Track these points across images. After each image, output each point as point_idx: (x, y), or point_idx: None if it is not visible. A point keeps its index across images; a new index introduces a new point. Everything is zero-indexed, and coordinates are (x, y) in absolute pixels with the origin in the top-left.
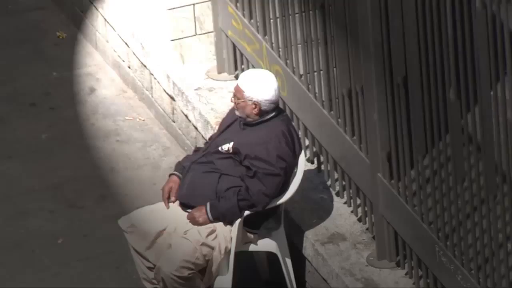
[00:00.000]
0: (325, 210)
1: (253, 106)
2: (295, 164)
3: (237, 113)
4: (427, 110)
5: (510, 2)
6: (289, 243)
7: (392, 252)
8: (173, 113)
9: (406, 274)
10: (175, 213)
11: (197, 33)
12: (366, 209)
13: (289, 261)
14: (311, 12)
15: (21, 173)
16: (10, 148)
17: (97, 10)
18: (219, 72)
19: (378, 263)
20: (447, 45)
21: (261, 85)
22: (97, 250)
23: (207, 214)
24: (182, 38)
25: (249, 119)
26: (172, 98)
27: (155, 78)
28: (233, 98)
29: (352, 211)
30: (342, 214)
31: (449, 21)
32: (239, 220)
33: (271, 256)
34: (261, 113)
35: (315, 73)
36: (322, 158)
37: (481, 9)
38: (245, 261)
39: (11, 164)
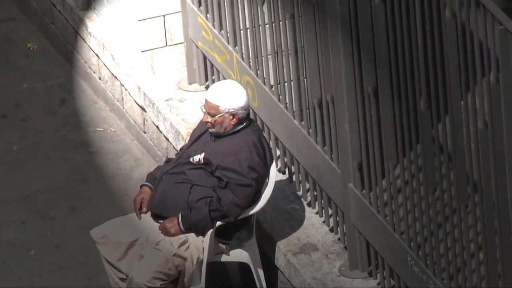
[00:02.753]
0: (296, 221)
1: (231, 117)
2: (266, 174)
3: (212, 131)
4: (398, 120)
5: (479, 11)
6: (261, 253)
7: (364, 262)
8: (144, 124)
9: (378, 284)
10: (147, 224)
11: (168, 44)
12: (337, 219)
13: (261, 272)
14: (281, 22)
15: None
16: None
17: (68, 21)
18: (190, 83)
19: (350, 273)
20: (417, 55)
21: (234, 94)
22: (69, 261)
23: (178, 225)
24: (153, 49)
25: (225, 131)
26: (143, 109)
27: (126, 89)
28: (207, 117)
29: (323, 221)
30: (314, 224)
31: (419, 30)
32: (211, 230)
33: (243, 266)
34: (239, 121)
35: (286, 84)
36: (293, 169)
37: (451, 18)
38: (217, 272)
39: None
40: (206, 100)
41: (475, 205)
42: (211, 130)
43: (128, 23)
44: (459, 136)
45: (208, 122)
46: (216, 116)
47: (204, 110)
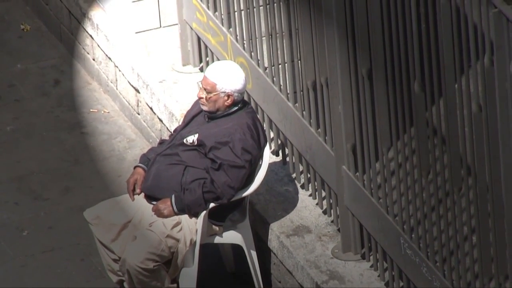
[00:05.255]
0: (290, 203)
1: (226, 98)
2: (260, 156)
3: (205, 108)
4: (392, 102)
5: None
6: (254, 235)
7: (357, 244)
8: (138, 106)
9: (371, 266)
10: (140, 205)
11: (162, 25)
12: (331, 201)
13: (254, 253)
14: (275, 4)
15: None
16: None
17: (62, 2)
18: (184, 65)
19: (343, 256)
20: (411, 38)
21: (233, 76)
22: (62, 242)
23: (172, 206)
24: (147, 30)
25: (218, 112)
26: (137, 90)
27: (120, 71)
28: (202, 93)
29: (317, 204)
30: (307, 207)
31: (414, 13)
32: (204, 212)
33: (236, 248)
34: (233, 104)
35: (280, 66)
36: (287, 151)
37: (445, 1)
38: (210, 253)
39: None
40: (204, 76)
41: (468, 188)
42: (204, 107)
43: (122, 4)
44: (453, 119)
45: (202, 97)
46: (212, 94)
47: (200, 86)
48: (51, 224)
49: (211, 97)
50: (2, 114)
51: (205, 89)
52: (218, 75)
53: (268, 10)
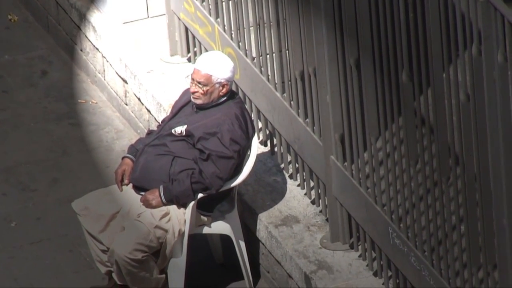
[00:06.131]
0: (278, 193)
1: (221, 88)
2: (248, 146)
3: (199, 101)
4: (380, 92)
5: None
6: (243, 225)
7: (346, 234)
8: (125, 96)
9: (359, 256)
10: (128, 196)
11: (150, 16)
12: (319, 191)
13: (242, 244)
14: None
15: None
16: None
17: None
18: (172, 55)
19: (332, 245)
20: (399, 27)
21: (225, 65)
22: (50, 233)
23: (160, 197)
24: (135, 21)
25: (212, 102)
26: (124, 81)
27: (107, 61)
28: (196, 87)
29: (305, 194)
30: (296, 197)
31: (402, 2)
32: (192, 202)
33: (224, 238)
34: (227, 92)
35: (268, 56)
36: (275, 141)
37: None
38: (198, 244)
39: None
40: (196, 70)
41: (457, 178)
42: (198, 101)
43: None
44: (441, 108)
45: (196, 92)
46: (208, 86)
47: (194, 80)
48: (39, 215)
49: (208, 89)
50: None
51: (199, 83)
52: (211, 66)
53: (255, 0)
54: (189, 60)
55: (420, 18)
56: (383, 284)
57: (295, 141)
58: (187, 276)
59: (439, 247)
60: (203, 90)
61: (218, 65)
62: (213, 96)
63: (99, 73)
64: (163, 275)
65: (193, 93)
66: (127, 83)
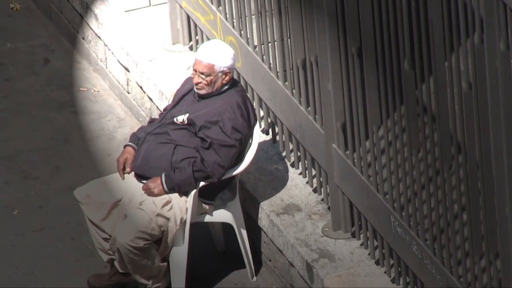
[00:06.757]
0: (280, 181)
1: (224, 76)
2: (250, 135)
3: (203, 91)
4: (381, 80)
5: None
6: (244, 214)
7: (347, 222)
8: (127, 84)
9: (361, 244)
10: (130, 184)
11: (151, 4)
12: (321, 179)
13: (244, 232)
14: None
15: None
16: None
17: None
18: (174, 43)
19: (333, 234)
20: (401, 15)
21: (226, 53)
22: (52, 221)
23: (162, 185)
24: (137, 9)
25: (215, 90)
26: (126, 69)
27: (109, 49)
28: (198, 78)
29: (307, 182)
30: (297, 185)
31: None
32: (194, 191)
33: (226, 227)
34: (230, 80)
35: (269, 44)
36: (277, 129)
37: None
38: (200, 233)
39: None
40: (199, 61)
41: (459, 166)
42: (202, 91)
43: None
44: (443, 97)
45: (200, 82)
46: (211, 76)
47: (197, 71)
48: (41, 203)
49: (211, 79)
50: None
51: (202, 73)
52: (212, 55)
53: None
54: (191, 48)
55: (422, 6)
56: (385, 272)
57: (297, 130)
58: (189, 264)
59: (441, 235)
60: (206, 81)
61: (219, 54)
62: (217, 85)
63: (101, 61)
64: (165, 263)
65: (197, 84)
66: (129, 71)
